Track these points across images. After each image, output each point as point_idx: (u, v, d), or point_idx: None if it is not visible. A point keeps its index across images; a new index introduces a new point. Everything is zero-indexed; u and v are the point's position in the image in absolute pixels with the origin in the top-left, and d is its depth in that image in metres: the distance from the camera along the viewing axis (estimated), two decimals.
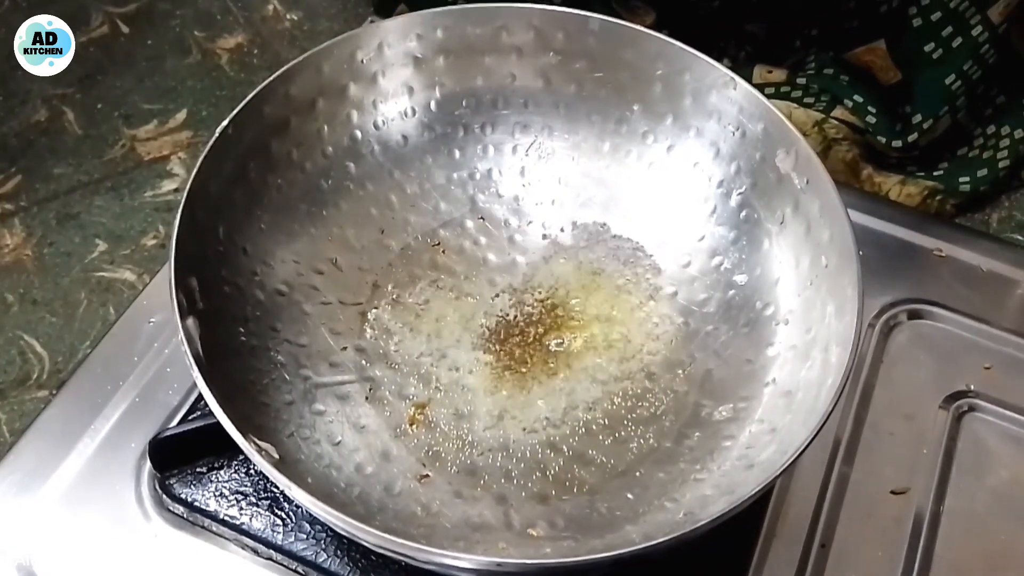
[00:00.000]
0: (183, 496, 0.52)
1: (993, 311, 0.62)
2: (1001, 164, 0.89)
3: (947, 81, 0.85)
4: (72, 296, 0.90)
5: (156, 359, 0.58)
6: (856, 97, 0.90)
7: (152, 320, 0.60)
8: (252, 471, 0.53)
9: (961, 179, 0.90)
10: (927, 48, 0.85)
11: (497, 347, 0.55)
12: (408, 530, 0.46)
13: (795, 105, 0.90)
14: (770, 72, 0.94)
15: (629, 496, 0.49)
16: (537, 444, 0.52)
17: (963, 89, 0.85)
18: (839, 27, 0.90)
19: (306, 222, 0.57)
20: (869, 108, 0.89)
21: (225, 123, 0.52)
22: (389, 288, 0.58)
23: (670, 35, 0.57)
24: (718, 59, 0.56)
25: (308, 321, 0.54)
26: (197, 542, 0.51)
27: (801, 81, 0.92)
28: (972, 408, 0.58)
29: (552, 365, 0.55)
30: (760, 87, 0.91)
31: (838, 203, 0.50)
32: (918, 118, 0.87)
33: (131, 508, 0.52)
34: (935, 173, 0.90)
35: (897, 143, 0.88)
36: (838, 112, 0.90)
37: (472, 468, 0.51)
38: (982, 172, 0.89)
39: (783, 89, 0.92)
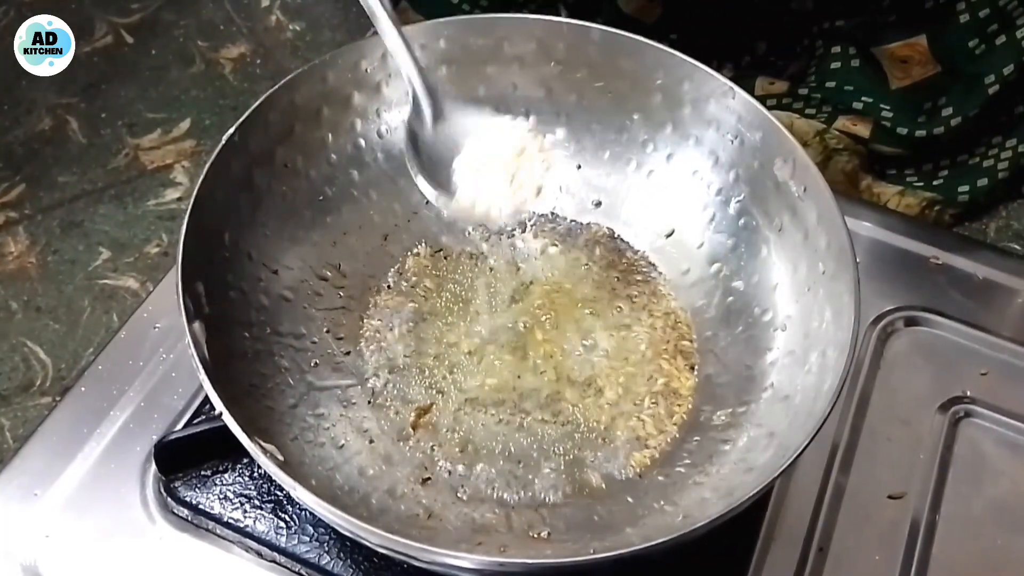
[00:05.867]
0: (188, 499, 0.52)
1: (989, 318, 0.63)
2: (1001, 175, 0.90)
3: (987, 81, 0.85)
4: (76, 303, 0.91)
5: (160, 364, 0.59)
6: (865, 98, 0.90)
7: (157, 326, 0.60)
8: (256, 474, 0.53)
9: (960, 188, 0.90)
10: (971, 44, 0.85)
11: (499, 352, 0.56)
12: (410, 532, 0.47)
13: (797, 116, 0.91)
14: (772, 84, 0.94)
15: (629, 499, 0.50)
16: (538, 447, 0.52)
17: (998, 93, 0.85)
18: (873, 22, 0.90)
19: (310, 229, 0.58)
20: (882, 105, 0.89)
21: (232, 130, 0.52)
22: (392, 294, 0.58)
23: (672, 44, 0.58)
24: (719, 69, 0.57)
25: (312, 326, 0.55)
26: (201, 545, 0.52)
27: (803, 92, 0.92)
28: (968, 414, 0.59)
29: (553, 370, 0.55)
30: (762, 99, 0.91)
31: (835, 210, 0.51)
32: (948, 111, 0.87)
33: (136, 511, 0.53)
34: (935, 183, 0.91)
35: (921, 133, 0.88)
36: (840, 123, 0.90)
37: (474, 471, 0.51)
38: (982, 182, 0.90)
39: (784, 100, 0.92)
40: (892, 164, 0.93)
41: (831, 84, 0.92)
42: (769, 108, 0.55)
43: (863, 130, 0.90)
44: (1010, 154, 0.90)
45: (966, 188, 0.90)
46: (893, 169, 0.93)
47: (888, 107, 0.89)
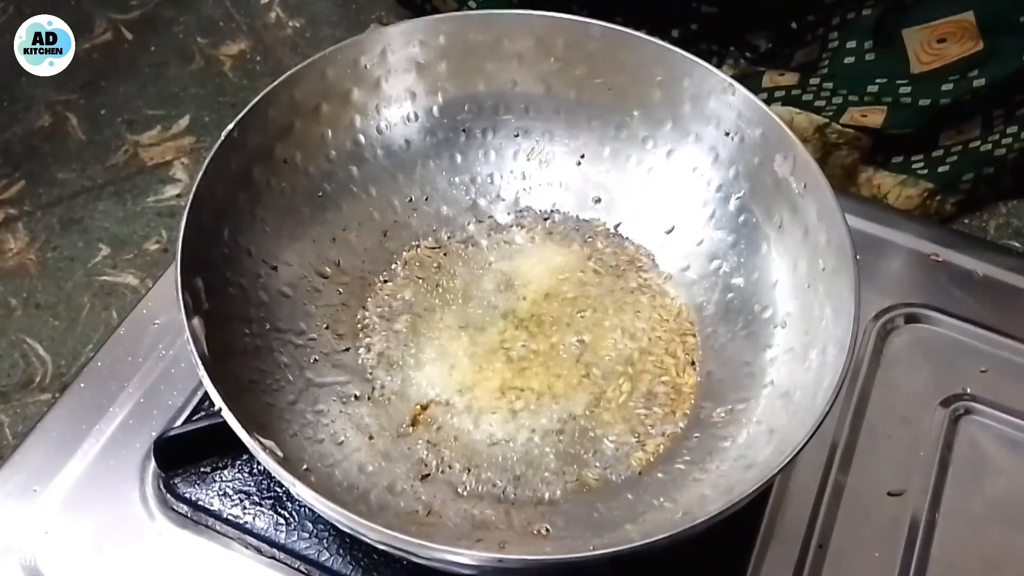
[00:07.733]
0: (187, 495, 0.52)
1: (989, 315, 0.63)
2: (1008, 164, 0.90)
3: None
4: (75, 300, 0.91)
5: (160, 361, 0.59)
6: (880, 80, 0.90)
7: (156, 322, 0.60)
8: (255, 471, 0.53)
9: (965, 176, 0.90)
10: (1022, 19, 0.86)
11: (498, 349, 0.56)
12: (410, 528, 0.47)
13: (797, 111, 0.91)
14: (781, 75, 0.94)
15: (629, 496, 0.50)
16: (537, 444, 0.52)
17: None
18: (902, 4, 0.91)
19: (309, 225, 0.57)
20: (899, 82, 0.89)
21: (231, 126, 0.52)
22: (391, 290, 0.58)
23: (674, 41, 0.58)
24: (718, 65, 0.57)
25: (311, 322, 0.55)
26: (201, 541, 0.52)
27: (814, 82, 0.92)
28: (968, 411, 0.59)
29: (553, 367, 0.55)
30: (771, 91, 0.91)
31: (835, 207, 0.51)
32: (981, 82, 0.87)
33: (135, 508, 0.53)
34: (940, 169, 0.90)
35: (946, 101, 0.88)
36: (848, 116, 0.90)
37: (473, 467, 0.51)
38: (988, 169, 0.90)
39: (794, 92, 0.92)
40: (900, 149, 0.92)
41: (843, 75, 0.92)
42: (778, 100, 0.55)
43: (876, 119, 0.89)
44: (1021, 145, 0.90)
45: (970, 176, 0.90)
46: (900, 156, 0.93)
47: (906, 83, 0.89)
